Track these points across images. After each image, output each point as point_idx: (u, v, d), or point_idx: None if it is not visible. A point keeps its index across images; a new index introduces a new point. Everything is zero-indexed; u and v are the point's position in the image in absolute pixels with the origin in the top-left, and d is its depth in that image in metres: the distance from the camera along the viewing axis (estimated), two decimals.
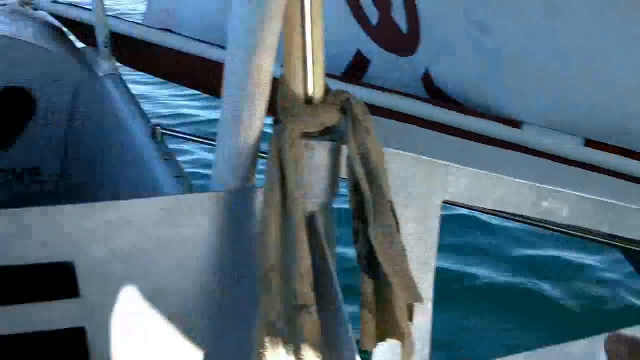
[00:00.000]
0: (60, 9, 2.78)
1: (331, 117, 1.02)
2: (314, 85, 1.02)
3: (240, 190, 1.11)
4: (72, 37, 2.91)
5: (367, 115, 1.01)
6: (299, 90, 1.01)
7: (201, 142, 2.23)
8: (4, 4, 2.85)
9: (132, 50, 2.65)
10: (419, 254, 1.12)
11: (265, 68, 0.98)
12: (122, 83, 2.54)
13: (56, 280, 1.06)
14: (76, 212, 1.06)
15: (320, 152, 1.03)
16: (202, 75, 2.44)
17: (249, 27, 0.93)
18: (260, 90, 1.00)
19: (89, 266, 1.06)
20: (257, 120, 1.04)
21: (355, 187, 1.01)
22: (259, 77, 0.98)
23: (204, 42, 2.38)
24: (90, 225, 1.06)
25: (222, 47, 2.33)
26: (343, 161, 1.05)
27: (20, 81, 2.57)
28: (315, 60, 0.99)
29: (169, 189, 1.75)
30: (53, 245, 1.04)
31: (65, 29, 2.91)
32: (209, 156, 4.01)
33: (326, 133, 1.04)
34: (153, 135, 2.04)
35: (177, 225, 1.10)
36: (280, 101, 1.02)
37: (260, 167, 1.10)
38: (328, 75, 1.06)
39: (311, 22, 0.96)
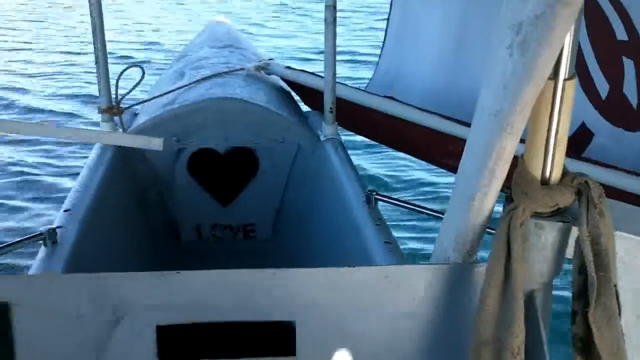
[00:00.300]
0: (292, 75, 3.05)
1: (565, 199, 1.03)
2: (553, 168, 1.03)
3: (462, 264, 1.14)
4: (298, 101, 3.16)
5: (602, 198, 1.00)
6: (537, 171, 1.03)
7: (414, 210, 2.28)
8: (242, 68, 3.15)
9: (356, 115, 2.80)
10: (637, 340, 1.07)
11: (509, 150, 1.01)
12: (341, 147, 2.65)
13: (276, 337, 1.16)
14: (302, 275, 1.16)
15: (549, 232, 1.04)
16: (420, 141, 2.53)
17: (498, 112, 0.98)
18: (500, 170, 1.03)
19: (308, 327, 1.15)
20: (491, 197, 1.07)
21: (581, 269, 1.01)
22: (500, 158, 1.02)
23: (426, 110, 2.46)
24: (314, 288, 1.15)
25: (442, 116, 2.42)
26: (571, 242, 1.04)
27: (248, 142, 2.77)
28: (557, 144, 1.01)
29: (379, 254, 1.81)
30: (279, 305, 1.15)
31: (293, 93, 3.17)
32: (420, 222, 4.05)
33: (557, 213, 1.05)
34: (367, 200, 2.10)
35: (396, 294, 1.15)
36: (517, 180, 1.05)
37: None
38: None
39: (559, 110, 0.99)
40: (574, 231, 1.03)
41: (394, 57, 3.06)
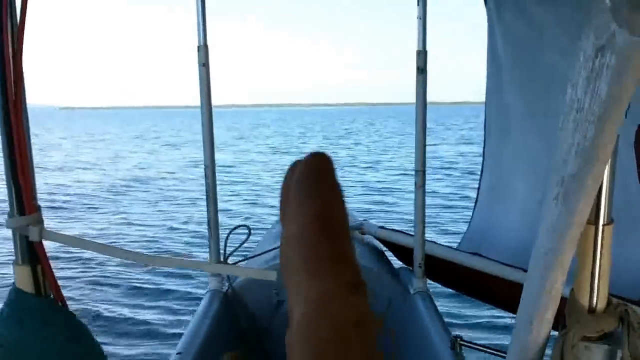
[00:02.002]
0: (385, 234, 3.29)
1: (610, 325, 1.19)
2: (598, 298, 1.21)
3: None
4: (391, 257, 3.37)
5: None
6: (585, 301, 1.21)
7: (496, 355, 2.34)
8: None
9: (444, 270, 2.97)
10: None
11: (558, 285, 1.18)
12: (430, 299, 2.77)
13: None
14: None
15: (597, 354, 1.19)
16: (504, 294, 2.64)
17: (549, 251, 1.17)
18: (552, 301, 1.20)
19: None
20: (547, 324, 1.22)
21: None
22: (552, 290, 1.19)
23: (508, 265, 2.61)
24: None
25: (524, 270, 2.55)
26: None
27: None
28: (601, 277, 1.19)
29: None
30: None
31: (385, 250, 3.39)
32: None
33: (604, 338, 1.20)
34: (452, 346, 2.22)
35: None
36: (568, 309, 1.23)
37: None
38: (624, 299, 1.23)
39: (601, 250, 1.19)
40: (620, 354, 1.17)
41: (484, 216, 3.28)
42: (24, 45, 1.39)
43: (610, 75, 0.98)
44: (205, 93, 2.66)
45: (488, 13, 3.05)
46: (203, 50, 2.62)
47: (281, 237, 0.38)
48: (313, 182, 0.36)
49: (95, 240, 1.64)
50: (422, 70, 2.69)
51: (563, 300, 1.22)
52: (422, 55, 2.68)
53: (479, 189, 3.37)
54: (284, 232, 0.37)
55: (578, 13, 2.45)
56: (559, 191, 1.15)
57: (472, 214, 3.42)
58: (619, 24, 0.94)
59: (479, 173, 3.39)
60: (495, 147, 3.24)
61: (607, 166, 1.12)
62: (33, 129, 1.45)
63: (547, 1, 2.69)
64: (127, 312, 6.53)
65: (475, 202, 3.38)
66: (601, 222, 1.17)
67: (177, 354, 2.22)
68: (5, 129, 1.39)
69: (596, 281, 1.20)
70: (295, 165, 0.38)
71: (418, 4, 2.66)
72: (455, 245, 3.30)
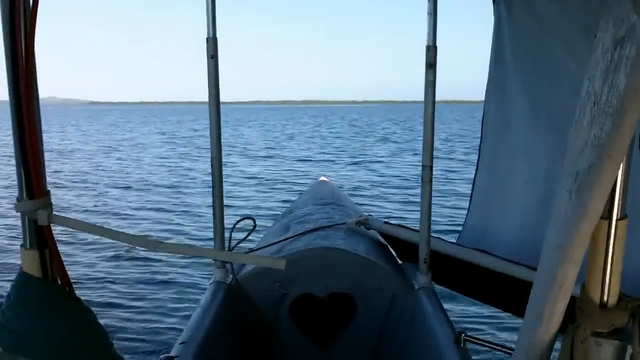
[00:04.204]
0: (389, 229, 3.28)
1: (621, 320, 1.18)
2: (610, 293, 1.19)
3: None
4: (394, 253, 3.36)
5: None
6: (596, 296, 1.20)
7: (501, 350, 2.34)
8: (343, 223, 3.42)
9: (448, 267, 2.96)
10: None
11: (570, 278, 1.18)
12: (434, 295, 2.77)
13: None
14: None
15: (607, 349, 1.18)
16: (511, 293, 2.63)
17: (560, 245, 1.16)
18: (563, 295, 1.20)
19: None
20: (557, 320, 1.23)
21: None
22: (563, 284, 1.18)
23: (515, 262, 2.60)
24: None
25: (527, 267, 2.54)
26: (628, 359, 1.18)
27: (347, 288, 2.95)
28: (613, 272, 1.18)
29: None
30: None
31: (389, 246, 3.38)
32: None
33: (615, 333, 1.19)
34: (457, 341, 2.21)
35: None
36: (579, 304, 1.22)
37: None
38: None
39: (613, 245, 1.17)
40: (630, 349, 1.16)
41: (481, 213, 3.27)
42: (35, 28, 1.40)
43: (630, 66, 0.97)
44: (213, 85, 2.67)
45: (496, 7, 3.04)
46: (212, 42, 2.63)
47: None
48: None
49: (103, 226, 1.64)
50: (431, 65, 2.68)
51: (572, 297, 1.22)
52: (432, 50, 2.67)
53: (473, 185, 3.37)
54: None
55: (587, 7, 2.44)
56: (572, 185, 1.14)
57: (468, 211, 3.42)
58: None
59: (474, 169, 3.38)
60: (492, 144, 3.23)
61: (623, 160, 1.11)
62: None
63: None
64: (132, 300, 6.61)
65: (470, 199, 3.38)
66: (615, 216, 1.16)
67: (180, 343, 2.22)
68: (16, 114, 1.40)
69: (608, 276, 1.18)
70: None
71: (429, 0, 2.65)
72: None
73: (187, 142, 34.90)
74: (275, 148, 30.25)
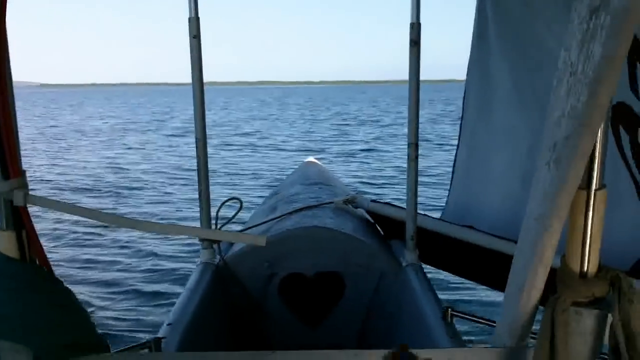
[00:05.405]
0: (377, 207, 3.28)
1: (601, 290, 1.20)
2: (589, 263, 1.21)
3: (516, 347, 1.33)
4: (382, 231, 3.36)
5: (632, 289, 1.16)
6: (576, 266, 1.21)
7: (487, 324, 2.37)
8: (331, 202, 3.42)
9: (435, 243, 2.97)
10: None
11: (550, 250, 1.20)
12: (421, 272, 2.79)
13: None
14: None
15: (587, 319, 1.20)
16: (498, 268, 2.64)
17: (540, 216, 1.17)
18: (543, 265, 1.22)
19: None
20: (538, 289, 1.25)
21: (615, 350, 1.16)
22: (543, 255, 1.20)
23: (502, 237, 2.61)
24: None
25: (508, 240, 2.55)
26: (607, 329, 1.20)
27: (335, 267, 2.96)
28: (592, 242, 1.19)
29: None
30: None
31: (377, 224, 3.39)
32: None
33: (595, 303, 1.21)
34: (444, 317, 2.23)
35: None
36: (559, 274, 1.23)
37: None
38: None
39: (592, 216, 1.18)
40: (610, 318, 1.17)
41: (462, 190, 3.28)
42: (6, 10, 1.38)
43: (605, 36, 0.96)
44: (196, 66, 2.65)
45: None
46: (194, 22, 2.61)
47: None
48: None
49: (81, 205, 1.63)
50: (415, 43, 2.66)
51: (553, 269, 1.22)
52: (415, 27, 2.65)
53: (455, 162, 3.37)
54: None
55: None
56: (550, 156, 1.13)
57: (450, 188, 3.43)
58: None
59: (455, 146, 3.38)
60: (474, 121, 3.22)
61: (599, 130, 1.11)
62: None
63: None
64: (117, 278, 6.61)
65: (452, 175, 3.39)
66: (593, 186, 1.16)
67: (167, 324, 2.22)
68: None
69: (587, 246, 1.19)
70: None
71: None
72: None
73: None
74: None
